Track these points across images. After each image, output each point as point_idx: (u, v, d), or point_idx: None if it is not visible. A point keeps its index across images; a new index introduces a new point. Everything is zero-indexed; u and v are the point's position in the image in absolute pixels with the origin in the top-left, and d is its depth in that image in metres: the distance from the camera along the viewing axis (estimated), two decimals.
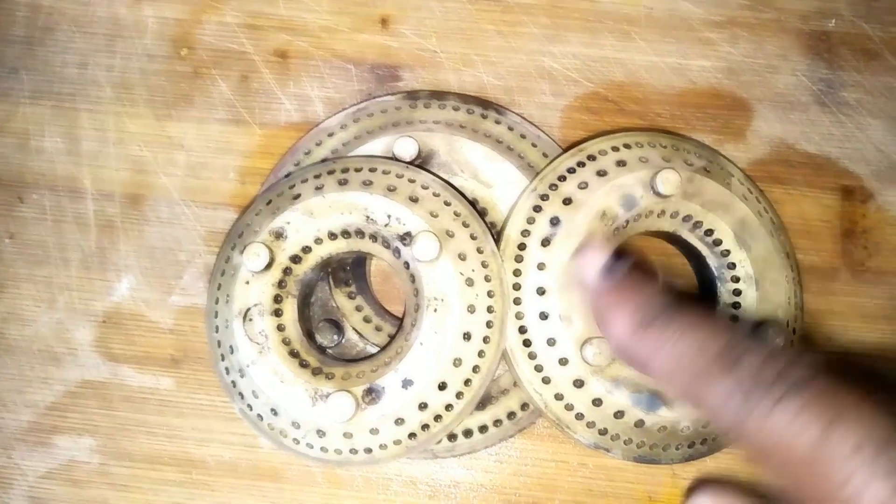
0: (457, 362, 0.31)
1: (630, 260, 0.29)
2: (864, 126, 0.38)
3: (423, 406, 0.31)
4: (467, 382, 0.31)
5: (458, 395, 0.31)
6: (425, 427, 0.31)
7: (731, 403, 0.22)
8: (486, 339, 0.31)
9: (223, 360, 0.33)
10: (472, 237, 0.32)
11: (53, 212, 0.38)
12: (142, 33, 0.40)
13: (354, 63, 0.39)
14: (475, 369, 0.31)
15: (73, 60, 0.39)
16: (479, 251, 0.32)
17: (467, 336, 0.31)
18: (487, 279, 0.31)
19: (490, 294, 0.31)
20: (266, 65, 0.39)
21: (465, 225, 0.32)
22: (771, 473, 0.22)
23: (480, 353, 0.31)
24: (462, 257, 0.31)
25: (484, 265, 0.31)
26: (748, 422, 0.22)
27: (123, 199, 0.38)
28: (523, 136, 0.37)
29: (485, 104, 0.38)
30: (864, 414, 0.20)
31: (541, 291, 0.32)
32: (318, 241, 0.32)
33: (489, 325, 0.31)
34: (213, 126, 0.39)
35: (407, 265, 0.31)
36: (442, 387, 0.31)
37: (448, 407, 0.31)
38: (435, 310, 0.31)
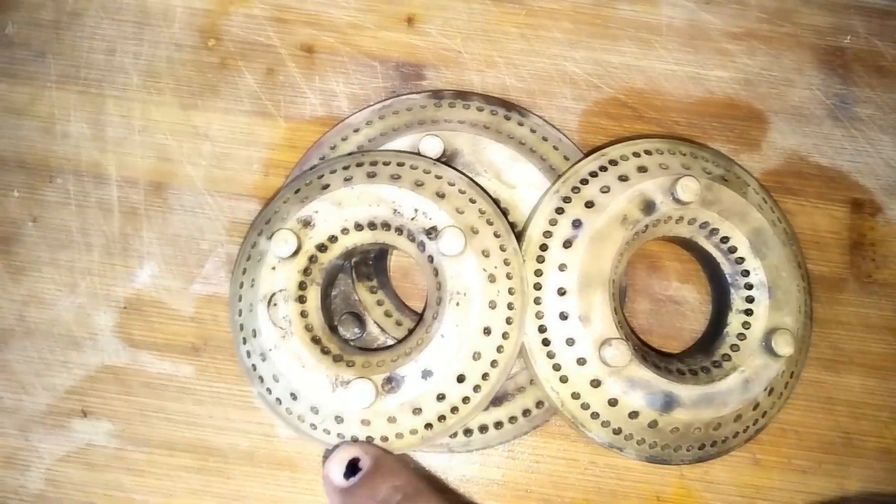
0: (476, 356, 0.31)
1: (370, 460, 0.31)
2: (875, 141, 0.39)
3: (441, 397, 0.31)
4: (485, 376, 0.32)
5: (476, 388, 0.32)
6: (442, 418, 0.32)
7: None
8: (505, 335, 0.32)
9: (245, 343, 0.33)
10: (496, 235, 0.32)
11: (77, 196, 0.38)
12: (170, 22, 0.40)
13: (380, 60, 0.40)
14: (493, 364, 0.32)
15: (101, 47, 0.39)
16: (502, 249, 0.32)
17: (487, 331, 0.32)
18: (509, 276, 0.32)
19: (511, 291, 0.32)
20: (292, 58, 0.40)
21: (490, 223, 0.33)
22: None
23: (499, 349, 0.32)
24: (486, 254, 0.32)
25: (506, 263, 0.32)
26: None
27: (147, 187, 0.38)
28: (545, 139, 0.37)
29: (508, 106, 0.38)
30: None
31: (561, 292, 0.33)
32: (345, 231, 0.33)
33: (509, 321, 0.32)
34: (239, 117, 0.39)
35: (431, 259, 0.32)
36: (461, 379, 0.31)
37: (465, 399, 0.32)
38: (457, 304, 0.31)
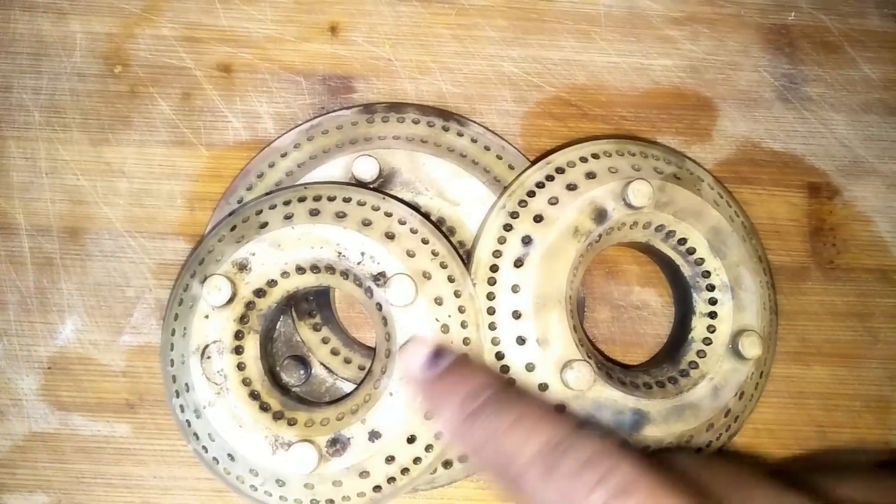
0: (428, 415, 0.29)
1: (454, 353, 0.29)
2: (828, 121, 0.38)
3: (390, 459, 0.29)
4: (438, 435, 0.29)
5: (428, 447, 0.29)
6: (391, 480, 0.29)
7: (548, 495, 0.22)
8: None
9: (178, 396, 0.31)
10: (450, 279, 0.30)
11: None
12: (70, 51, 0.37)
13: (304, 75, 0.37)
14: None
15: None
16: (457, 295, 0.30)
17: None
18: (464, 325, 0.30)
19: (466, 341, 0.30)
20: (209, 80, 0.37)
21: (443, 266, 0.30)
22: None
23: None
24: (438, 302, 0.29)
25: (461, 310, 0.30)
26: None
27: (62, 234, 0.35)
28: (487, 148, 0.35)
29: (445, 115, 0.36)
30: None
31: (516, 315, 0.31)
32: (285, 274, 0.30)
33: None
34: (156, 149, 0.36)
35: (379, 307, 0.30)
36: (411, 440, 0.29)
37: (416, 460, 0.29)
38: None
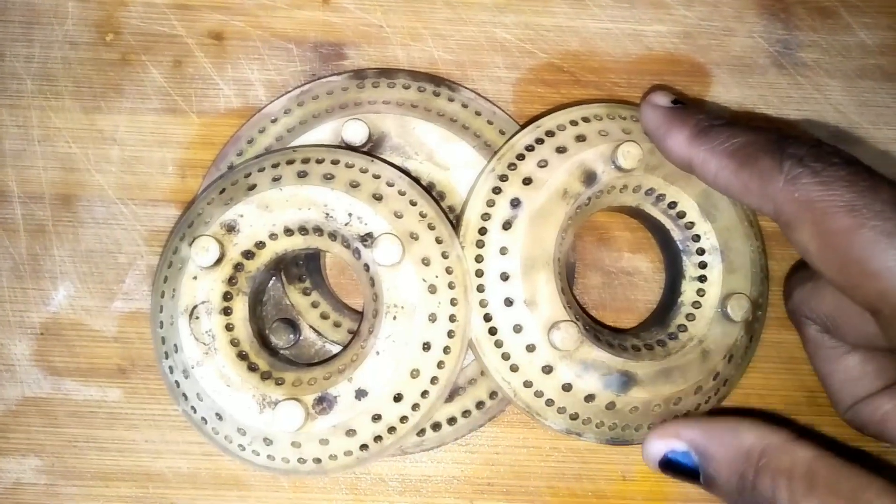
0: (414, 373, 0.29)
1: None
2: (823, 87, 0.38)
3: (376, 418, 0.29)
4: (424, 394, 0.30)
5: (415, 406, 0.29)
6: (378, 439, 0.29)
7: (785, 167, 0.26)
8: (446, 350, 0.30)
9: (167, 358, 0.31)
10: (438, 241, 0.30)
11: None
12: (62, 19, 0.37)
13: (295, 42, 0.37)
14: (433, 381, 0.30)
15: None
16: (444, 256, 0.30)
17: (427, 346, 0.29)
18: (451, 286, 0.30)
19: (453, 302, 0.30)
20: (200, 48, 0.37)
21: (431, 227, 0.30)
22: (802, 232, 0.26)
23: (440, 364, 0.30)
24: (426, 262, 0.29)
25: (448, 271, 0.30)
26: (800, 179, 0.25)
27: (54, 201, 0.35)
28: (478, 114, 0.35)
29: (436, 81, 0.36)
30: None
31: (504, 277, 0.31)
32: (273, 236, 0.30)
33: (451, 334, 0.30)
34: (147, 117, 0.36)
35: (367, 267, 0.30)
36: (398, 398, 0.29)
37: (403, 419, 0.30)
38: (394, 317, 0.29)
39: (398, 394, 0.29)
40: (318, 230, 0.30)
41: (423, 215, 0.30)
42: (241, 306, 0.30)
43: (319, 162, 0.31)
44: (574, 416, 0.31)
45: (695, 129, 0.29)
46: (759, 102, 0.38)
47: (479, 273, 0.31)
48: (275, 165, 0.31)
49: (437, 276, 0.29)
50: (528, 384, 0.31)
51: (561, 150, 0.32)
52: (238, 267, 0.30)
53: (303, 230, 0.30)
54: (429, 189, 0.33)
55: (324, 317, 0.34)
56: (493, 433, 0.35)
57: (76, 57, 0.36)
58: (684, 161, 0.30)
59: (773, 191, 0.26)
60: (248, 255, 0.30)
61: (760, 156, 0.27)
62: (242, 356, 0.30)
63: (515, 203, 0.31)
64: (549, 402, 0.31)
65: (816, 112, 0.38)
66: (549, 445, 0.35)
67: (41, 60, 0.36)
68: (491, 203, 0.32)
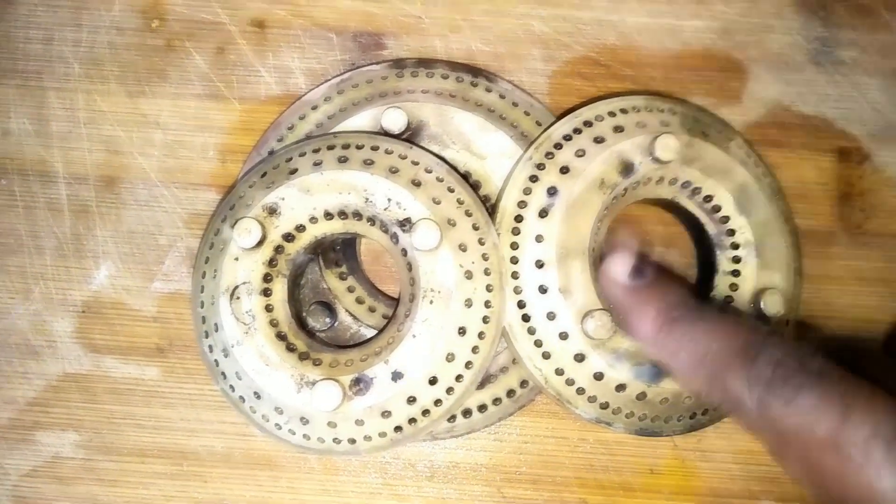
0: (450, 357, 0.30)
1: (654, 265, 0.30)
2: (860, 85, 0.38)
3: (411, 400, 0.30)
4: (459, 378, 0.30)
5: (449, 390, 0.30)
6: (412, 421, 0.30)
7: (754, 393, 0.24)
8: (481, 335, 0.30)
9: (207, 337, 0.31)
10: (475, 227, 0.30)
11: (24, 197, 0.36)
12: (109, 4, 0.37)
13: (336, 31, 0.37)
14: (468, 365, 0.30)
15: (37, 36, 0.37)
16: (481, 242, 0.30)
17: (462, 331, 0.30)
18: (487, 272, 0.30)
19: (489, 288, 0.30)
20: (243, 35, 0.37)
21: (468, 214, 0.30)
22: (790, 463, 0.23)
23: (475, 349, 0.30)
24: (463, 248, 0.30)
25: (484, 258, 0.30)
26: (770, 410, 0.23)
27: (98, 182, 0.36)
28: (515, 105, 0.35)
29: (474, 71, 0.36)
30: (877, 404, 0.22)
31: (539, 264, 0.31)
32: (314, 220, 0.31)
33: (486, 320, 0.30)
34: (190, 102, 0.37)
35: (405, 252, 0.30)
36: (433, 381, 0.30)
37: (437, 402, 0.30)
38: (431, 301, 0.29)
39: (433, 377, 0.29)
40: (357, 214, 0.31)
41: (460, 202, 0.31)
42: (280, 288, 0.31)
43: (359, 148, 0.31)
44: (604, 406, 0.31)
45: (657, 320, 0.28)
46: (796, 100, 0.38)
47: (514, 260, 0.31)
48: (316, 150, 0.32)
49: (473, 263, 0.30)
50: (559, 372, 0.31)
51: (599, 140, 0.32)
52: (278, 249, 0.31)
53: (342, 214, 0.31)
54: (465, 177, 0.33)
55: (359, 301, 0.34)
56: (522, 422, 0.35)
57: (122, 42, 0.37)
58: (652, 348, 0.29)
59: (747, 421, 0.25)
60: (289, 237, 0.31)
61: (728, 377, 0.25)
62: (281, 336, 0.30)
63: (552, 192, 0.31)
64: (580, 391, 0.31)
65: (853, 110, 0.37)
66: (578, 436, 0.35)
67: (88, 45, 0.37)
68: (528, 191, 0.32)
